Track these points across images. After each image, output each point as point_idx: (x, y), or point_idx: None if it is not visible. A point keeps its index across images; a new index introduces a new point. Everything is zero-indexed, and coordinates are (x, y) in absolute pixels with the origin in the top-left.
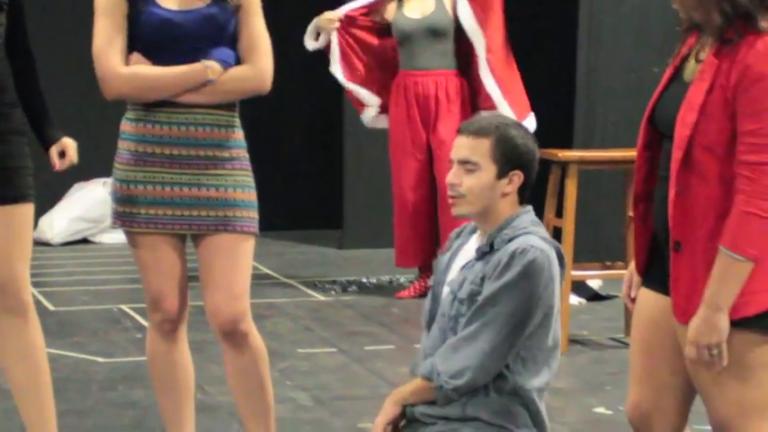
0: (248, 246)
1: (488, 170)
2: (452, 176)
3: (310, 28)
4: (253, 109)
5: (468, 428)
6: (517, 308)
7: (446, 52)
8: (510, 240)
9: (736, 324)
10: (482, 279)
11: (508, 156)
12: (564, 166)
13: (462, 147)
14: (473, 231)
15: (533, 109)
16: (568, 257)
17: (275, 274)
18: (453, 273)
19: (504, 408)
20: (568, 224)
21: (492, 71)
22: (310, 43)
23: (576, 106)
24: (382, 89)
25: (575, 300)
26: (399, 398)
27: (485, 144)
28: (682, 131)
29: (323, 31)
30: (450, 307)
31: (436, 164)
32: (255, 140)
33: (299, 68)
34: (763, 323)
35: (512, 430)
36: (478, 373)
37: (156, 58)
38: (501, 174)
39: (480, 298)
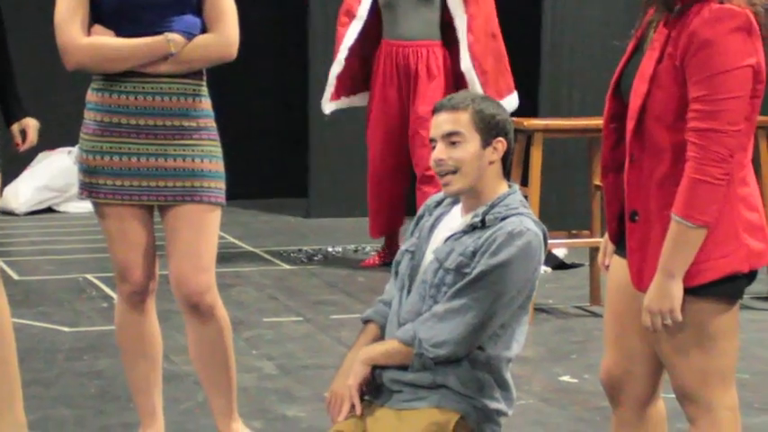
0: (215, 216)
1: (473, 140)
2: (438, 153)
3: None
4: (218, 77)
5: (435, 396)
6: (508, 288)
7: (431, 21)
8: (503, 219)
9: (694, 292)
10: (473, 253)
11: (490, 124)
12: (529, 134)
13: (443, 122)
14: (455, 202)
15: None
16: None
17: (241, 243)
18: (437, 241)
19: (471, 377)
20: (534, 193)
21: (472, 56)
22: None
23: (540, 75)
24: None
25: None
26: (368, 358)
27: (464, 116)
28: (634, 102)
29: None
30: (433, 275)
31: (412, 139)
32: (221, 109)
33: (265, 36)
34: (719, 291)
35: (478, 399)
36: (461, 346)
37: (120, 28)
38: (485, 143)
39: (473, 272)
